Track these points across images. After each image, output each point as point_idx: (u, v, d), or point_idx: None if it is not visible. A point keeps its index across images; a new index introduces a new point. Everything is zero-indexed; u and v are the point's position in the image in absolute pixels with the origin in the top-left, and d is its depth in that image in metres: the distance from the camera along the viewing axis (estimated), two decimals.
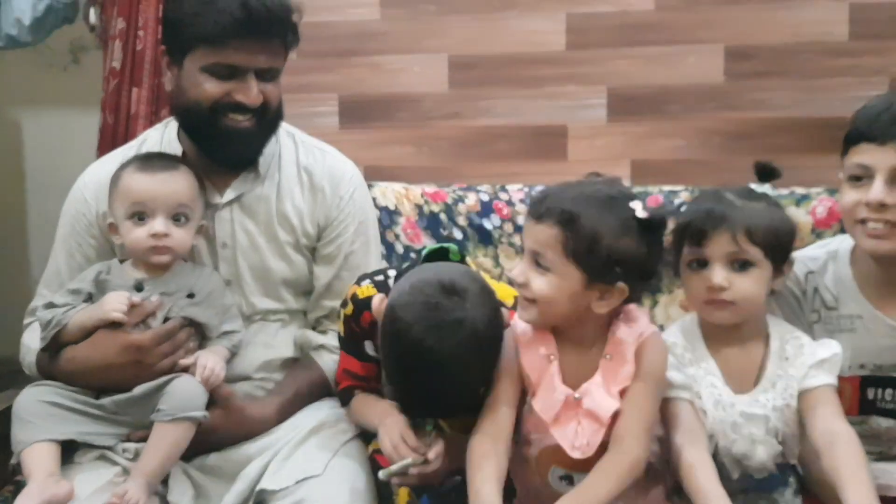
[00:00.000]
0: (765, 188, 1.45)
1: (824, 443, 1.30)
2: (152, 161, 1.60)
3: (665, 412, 1.35)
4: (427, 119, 2.45)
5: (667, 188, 2.14)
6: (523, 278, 1.32)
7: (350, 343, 1.59)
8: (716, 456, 1.37)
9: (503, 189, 2.19)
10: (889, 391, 1.48)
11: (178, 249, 1.57)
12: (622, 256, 1.28)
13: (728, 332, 1.39)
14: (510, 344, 1.37)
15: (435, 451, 1.37)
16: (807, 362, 1.36)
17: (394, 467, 1.38)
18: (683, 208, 1.53)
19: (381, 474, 1.39)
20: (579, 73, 2.39)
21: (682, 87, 2.36)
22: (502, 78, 2.41)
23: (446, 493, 1.52)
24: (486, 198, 2.17)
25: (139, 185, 1.54)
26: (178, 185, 1.56)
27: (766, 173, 1.45)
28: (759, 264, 1.35)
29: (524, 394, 1.37)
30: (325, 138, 1.86)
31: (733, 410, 1.36)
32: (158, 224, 1.53)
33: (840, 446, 1.28)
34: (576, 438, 1.29)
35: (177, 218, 1.55)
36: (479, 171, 2.39)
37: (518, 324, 1.38)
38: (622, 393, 1.31)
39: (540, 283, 1.30)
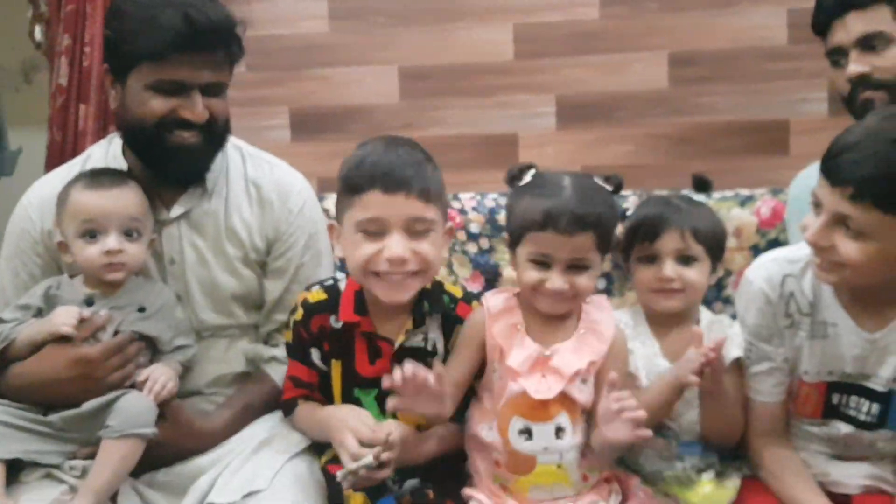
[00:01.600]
0: (700, 197, 1.68)
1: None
2: (101, 177, 1.59)
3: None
4: (379, 130, 2.43)
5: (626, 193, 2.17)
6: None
7: (298, 349, 1.59)
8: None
9: (455, 198, 2.19)
10: (854, 398, 1.48)
11: (132, 265, 1.56)
12: None
13: (668, 318, 1.60)
14: (479, 317, 1.49)
15: (397, 433, 1.41)
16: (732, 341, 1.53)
17: (352, 466, 1.37)
18: (630, 213, 1.72)
19: (340, 475, 1.39)
20: (528, 81, 2.42)
21: (629, 93, 2.41)
22: (453, 88, 2.44)
23: (404, 496, 1.52)
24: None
25: (89, 202, 1.53)
26: (128, 200, 1.55)
27: (702, 185, 1.69)
28: (701, 260, 1.58)
29: (480, 374, 1.48)
30: (277, 152, 1.86)
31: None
32: (112, 241, 1.52)
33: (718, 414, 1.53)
34: (539, 385, 1.43)
35: (129, 233, 1.55)
36: None
37: (488, 298, 1.51)
38: (590, 365, 1.46)
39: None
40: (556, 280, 1.42)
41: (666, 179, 2.39)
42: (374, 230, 1.43)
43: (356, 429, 1.42)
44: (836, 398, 1.49)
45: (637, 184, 2.27)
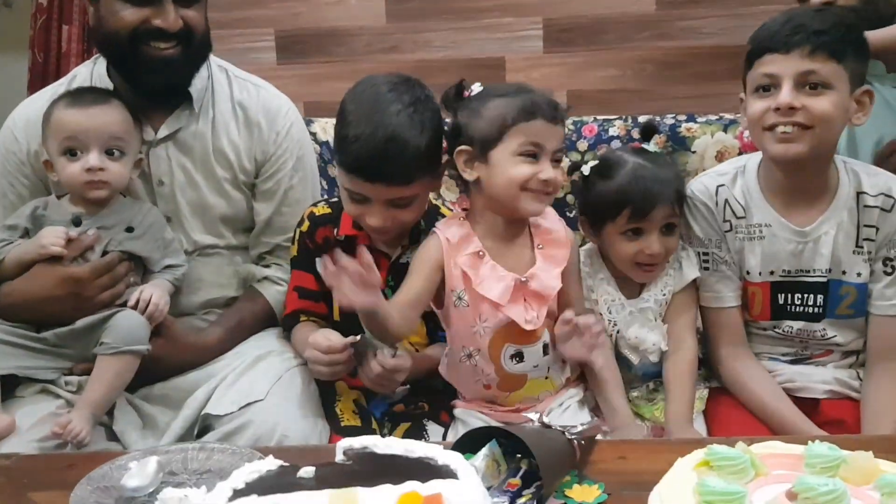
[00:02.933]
0: (651, 145, 1.66)
1: (670, 349, 1.61)
2: (83, 95, 1.58)
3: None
4: (365, 54, 2.45)
5: (601, 118, 2.18)
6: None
7: (304, 259, 1.64)
8: (617, 348, 1.63)
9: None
10: (797, 295, 1.59)
11: (115, 184, 1.56)
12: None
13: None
14: (435, 244, 1.47)
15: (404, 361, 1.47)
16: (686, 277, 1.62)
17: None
18: (590, 166, 1.65)
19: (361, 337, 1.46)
20: (516, 4, 2.40)
21: (616, 17, 2.39)
22: (439, 10, 2.42)
23: (396, 402, 1.61)
24: None
25: (70, 119, 1.53)
26: (109, 117, 1.55)
27: (649, 132, 1.68)
28: (678, 223, 1.61)
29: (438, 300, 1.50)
30: (263, 74, 1.85)
31: (624, 310, 1.62)
32: (92, 158, 1.52)
33: (678, 358, 1.61)
34: (526, 314, 1.45)
35: (111, 151, 1.54)
36: None
37: (445, 229, 1.48)
38: (562, 274, 1.49)
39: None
40: (549, 170, 1.41)
41: (650, 104, 2.41)
42: (359, 199, 1.49)
43: (315, 342, 1.48)
44: (781, 297, 1.60)
45: (622, 109, 2.29)
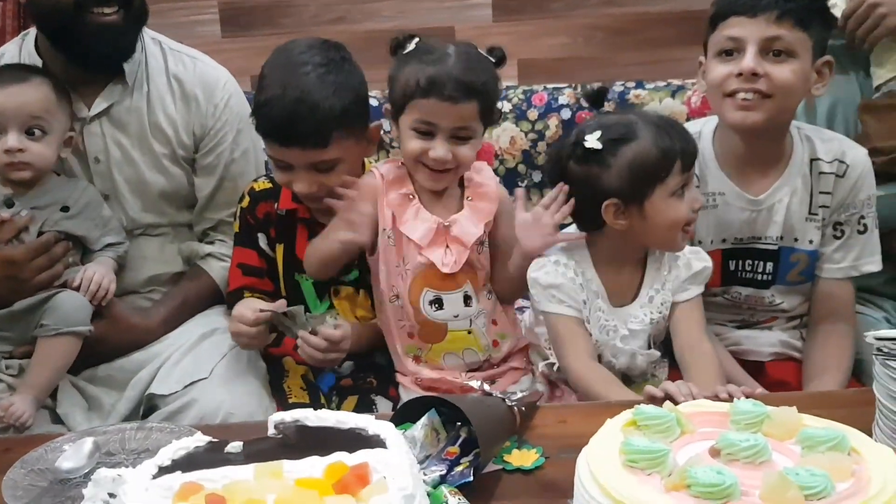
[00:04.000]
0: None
1: (688, 360, 1.43)
2: (2, 74, 1.53)
3: (552, 326, 1.45)
4: (313, 25, 2.40)
5: (552, 86, 2.17)
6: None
7: (245, 236, 1.63)
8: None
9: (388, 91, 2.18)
10: (748, 262, 1.58)
11: (38, 164, 1.51)
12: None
13: (613, 253, 1.46)
14: (369, 187, 1.50)
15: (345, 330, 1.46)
16: (681, 275, 1.47)
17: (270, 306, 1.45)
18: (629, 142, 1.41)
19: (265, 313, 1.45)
20: None
21: None
22: None
23: (343, 377, 1.61)
24: (374, 103, 2.15)
25: None
26: (27, 96, 1.49)
27: (600, 96, 1.59)
28: None
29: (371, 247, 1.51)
30: (207, 48, 1.80)
31: (616, 335, 1.46)
32: (11, 139, 1.47)
33: (701, 366, 1.41)
34: (445, 257, 1.47)
35: (31, 131, 1.49)
36: (368, 77, 2.38)
37: (381, 166, 1.53)
38: (485, 227, 1.51)
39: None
40: (439, 149, 1.41)
41: (600, 71, 2.39)
42: (284, 166, 1.50)
43: (240, 314, 1.48)
44: (732, 264, 1.59)
45: (573, 77, 2.28)
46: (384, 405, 1.56)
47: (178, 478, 0.80)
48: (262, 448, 0.88)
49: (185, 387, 1.48)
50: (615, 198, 1.37)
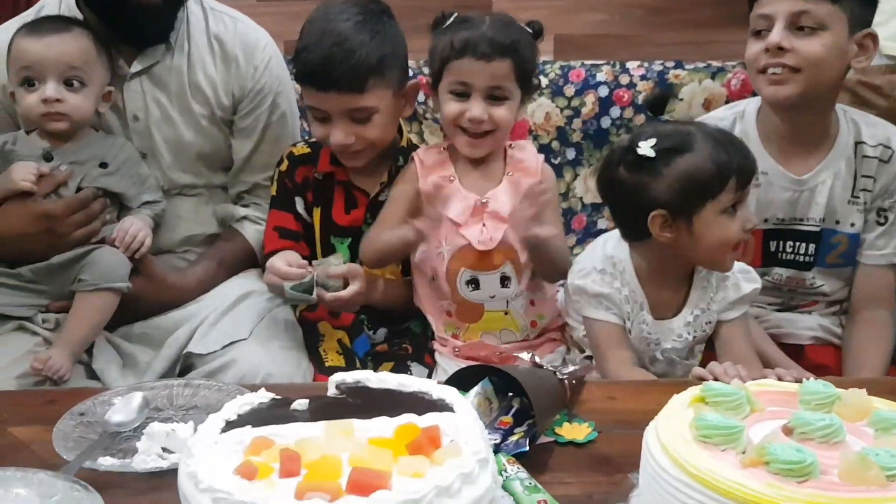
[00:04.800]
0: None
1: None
2: (42, 24, 1.51)
3: (595, 332, 1.42)
4: None
5: (589, 63, 2.15)
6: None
7: (283, 200, 1.63)
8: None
9: (427, 64, 2.15)
10: (790, 243, 1.58)
11: (76, 116, 1.50)
12: None
13: (657, 266, 1.40)
14: (411, 173, 1.53)
15: (349, 271, 1.47)
16: (729, 297, 1.41)
17: (297, 282, 1.44)
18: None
19: (287, 287, 1.45)
20: None
21: None
22: None
23: (377, 343, 1.61)
24: (409, 73, 2.13)
25: (27, 48, 1.46)
26: (67, 47, 1.48)
27: (662, 102, 1.66)
28: None
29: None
30: (243, 12, 1.77)
31: (657, 347, 1.42)
32: (49, 89, 1.46)
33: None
34: (481, 235, 1.48)
35: (69, 82, 1.48)
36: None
37: (424, 153, 1.55)
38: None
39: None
40: (475, 108, 1.44)
41: (637, 49, 2.37)
42: (321, 117, 1.52)
43: (273, 266, 1.48)
44: (773, 245, 1.59)
45: (609, 54, 2.25)
46: (419, 372, 1.56)
47: (248, 432, 0.79)
48: (328, 406, 0.87)
49: (224, 347, 1.47)
50: (663, 209, 1.30)
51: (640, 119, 2.01)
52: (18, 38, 1.48)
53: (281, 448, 0.75)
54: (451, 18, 1.51)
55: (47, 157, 1.50)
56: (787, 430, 0.82)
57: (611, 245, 1.42)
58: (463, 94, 1.45)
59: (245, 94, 1.68)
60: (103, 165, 1.54)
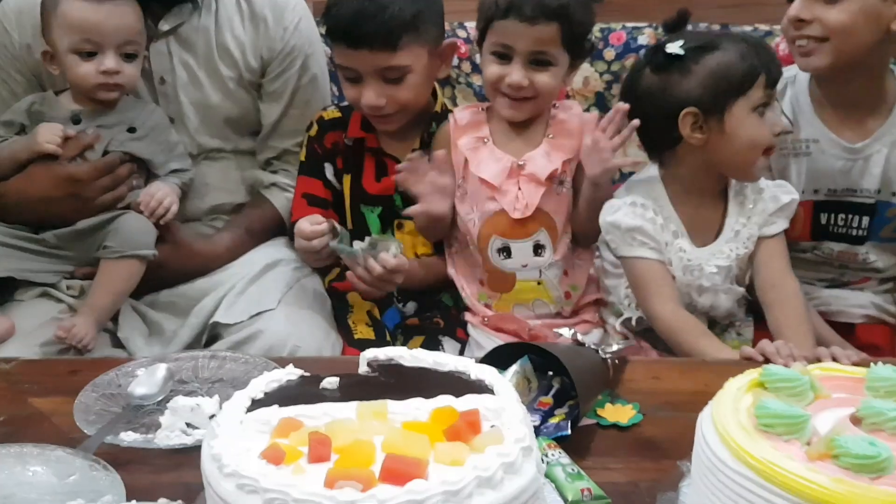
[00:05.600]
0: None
1: (772, 298, 1.36)
2: None
3: (635, 272, 1.37)
4: None
5: (630, 25, 2.06)
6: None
7: (312, 165, 1.59)
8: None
9: (461, 26, 2.07)
10: (841, 216, 1.51)
11: (128, 86, 1.47)
12: None
13: (690, 185, 1.39)
14: (447, 134, 1.48)
15: (398, 266, 1.39)
16: (768, 209, 1.39)
17: (346, 247, 1.40)
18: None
19: (332, 244, 1.41)
20: None
21: None
22: None
23: (407, 316, 1.57)
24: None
25: (85, 15, 1.41)
26: (127, 17, 1.44)
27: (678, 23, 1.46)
28: None
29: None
30: None
31: (700, 273, 1.38)
32: (109, 61, 1.42)
33: (785, 304, 1.34)
34: (517, 202, 1.42)
35: (127, 54, 1.44)
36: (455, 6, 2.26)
37: (459, 112, 1.50)
38: (565, 164, 1.44)
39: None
40: (514, 73, 1.38)
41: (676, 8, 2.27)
42: (352, 77, 1.47)
43: (301, 229, 1.44)
44: (823, 217, 1.52)
45: (650, 16, 2.14)
46: (451, 346, 1.51)
47: (276, 412, 0.75)
48: (359, 385, 0.82)
49: (251, 317, 1.44)
50: (694, 107, 1.29)
51: None
52: (71, 1, 1.42)
53: (310, 431, 0.70)
54: None
55: (75, 120, 1.47)
56: (856, 420, 0.75)
57: (641, 176, 1.43)
58: (504, 57, 1.39)
59: (274, 56, 1.63)
60: (131, 130, 1.50)
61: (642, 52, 1.98)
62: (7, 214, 1.48)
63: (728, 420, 0.76)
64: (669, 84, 1.32)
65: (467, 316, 1.53)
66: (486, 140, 1.46)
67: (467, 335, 1.52)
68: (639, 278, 1.37)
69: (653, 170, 1.42)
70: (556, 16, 1.36)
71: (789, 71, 1.55)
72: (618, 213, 1.37)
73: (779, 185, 1.41)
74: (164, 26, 1.56)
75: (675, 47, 1.31)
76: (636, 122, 1.35)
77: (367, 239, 1.40)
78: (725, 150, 1.31)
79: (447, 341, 1.52)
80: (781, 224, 1.39)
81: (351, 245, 1.39)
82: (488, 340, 1.46)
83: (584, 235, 1.51)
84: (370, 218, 1.59)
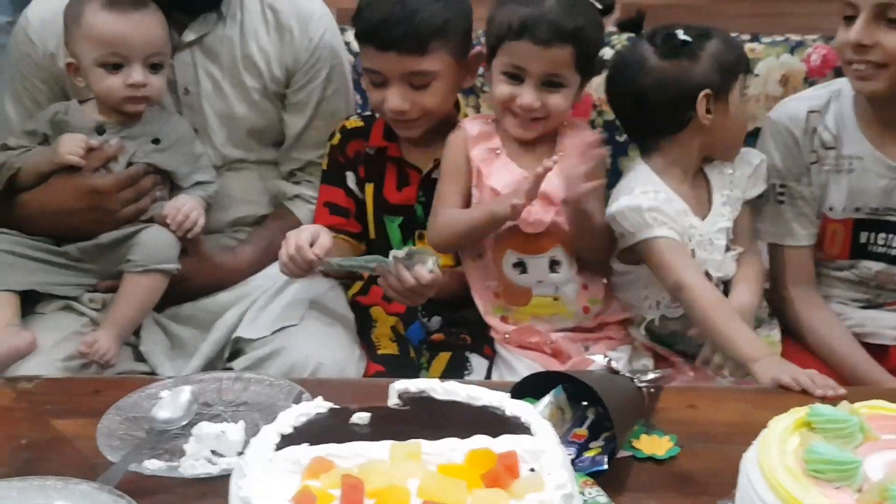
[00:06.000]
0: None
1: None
2: None
3: (659, 250, 1.37)
4: None
5: None
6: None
7: (333, 174, 1.59)
8: None
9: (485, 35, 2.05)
10: (882, 235, 1.47)
11: (155, 97, 1.46)
12: None
13: (676, 166, 1.44)
14: (459, 143, 1.45)
15: (433, 281, 1.35)
16: (745, 172, 1.47)
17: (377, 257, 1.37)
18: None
19: (335, 261, 1.38)
20: None
21: None
22: None
23: (432, 331, 1.54)
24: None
25: (111, 27, 1.39)
26: (152, 28, 1.42)
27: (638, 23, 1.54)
28: None
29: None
30: None
31: (712, 247, 1.42)
32: (136, 74, 1.40)
33: (744, 261, 1.46)
34: (529, 216, 1.38)
35: (153, 66, 1.43)
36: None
37: (468, 124, 1.47)
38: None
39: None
40: (526, 95, 1.37)
41: (709, 21, 2.22)
42: (378, 81, 1.46)
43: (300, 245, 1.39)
44: (863, 236, 1.49)
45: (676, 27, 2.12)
46: (478, 363, 1.48)
47: (306, 451, 0.72)
48: (391, 421, 0.80)
49: (274, 332, 1.42)
50: (708, 88, 1.37)
51: None
52: (94, 12, 1.40)
53: (343, 473, 0.68)
54: None
55: (100, 131, 1.45)
56: None
57: (629, 174, 1.45)
58: (516, 77, 1.37)
59: (299, 67, 1.61)
60: (156, 141, 1.48)
61: None
62: (29, 226, 1.47)
63: (775, 464, 0.73)
64: (681, 69, 1.37)
65: (492, 332, 1.50)
66: (498, 152, 1.44)
67: (494, 351, 1.50)
68: (664, 255, 1.36)
69: (639, 167, 1.45)
70: (570, 38, 1.35)
71: (833, 85, 1.53)
72: (633, 196, 1.38)
73: (745, 151, 1.48)
74: (189, 36, 1.55)
75: (682, 34, 1.39)
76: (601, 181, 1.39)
77: (406, 249, 1.38)
78: (726, 130, 1.41)
79: (474, 358, 1.49)
80: (760, 186, 1.48)
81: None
82: (515, 358, 1.44)
83: (588, 254, 1.48)
84: (391, 228, 1.58)
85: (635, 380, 1.02)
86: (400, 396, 0.84)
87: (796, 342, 1.51)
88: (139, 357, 1.46)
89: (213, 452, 0.96)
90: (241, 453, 0.86)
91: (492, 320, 1.49)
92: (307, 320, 1.45)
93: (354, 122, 1.59)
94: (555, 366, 1.41)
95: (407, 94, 1.44)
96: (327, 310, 1.50)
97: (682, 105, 1.37)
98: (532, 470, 0.70)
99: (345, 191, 1.58)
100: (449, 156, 1.46)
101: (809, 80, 1.91)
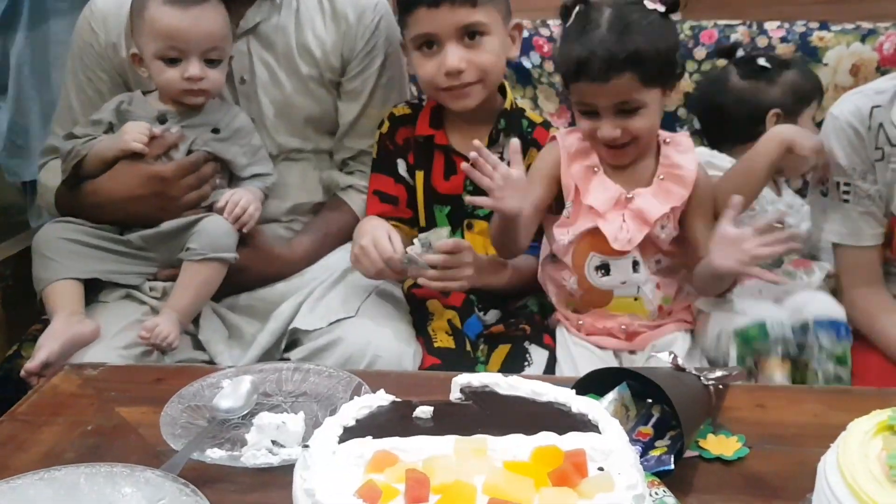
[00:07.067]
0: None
1: None
2: None
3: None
4: None
5: (722, 23, 1.96)
6: None
7: (384, 162, 1.59)
8: None
9: (544, 24, 2.01)
10: None
11: (214, 91, 1.48)
12: None
13: None
14: (554, 153, 1.44)
15: (455, 246, 1.39)
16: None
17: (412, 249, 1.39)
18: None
19: (409, 249, 1.40)
20: None
21: None
22: None
23: (489, 325, 1.53)
24: (525, 34, 2.00)
25: (170, 21, 1.41)
26: (212, 22, 1.43)
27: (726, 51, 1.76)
28: None
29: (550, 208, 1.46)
30: None
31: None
32: (193, 67, 1.42)
33: None
34: (620, 232, 1.38)
35: (211, 60, 1.44)
36: (518, 5, 2.22)
37: (565, 138, 1.44)
38: (673, 209, 1.39)
39: None
40: (605, 128, 1.36)
41: (775, 8, 2.17)
42: (431, 45, 1.46)
43: (376, 239, 1.42)
44: None
45: (744, 12, 2.06)
46: (538, 354, 1.45)
47: (370, 444, 0.71)
48: (455, 416, 0.78)
49: (331, 324, 1.41)
50: (780, 109, 1.59)
51: None
52: (156, 5, 1.42)
53: (407, 468, 0.67)
54: (575, 13, 1.38)
55: (161, 120, 1.47)
56: None
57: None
58: (591, 113, 1.36)
59: (354, 56, 1.60)
60: (215, 131, 1.50)
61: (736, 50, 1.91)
62: (95, 214, 1.49)
63: (857, 469, 0.70)
64: (757, 89, 1.63)
65: (558, 316, 1.49)
66: (595, 169, 1.41)
67: (554, 341, 1.47)
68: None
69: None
70: (628, 65, 1.31)
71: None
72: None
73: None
74: (245, 25, 1.55)
75: (763, 61, 1.65)
76: (795, 244, 1.38)
77: (416, 240, 1.40)
78: None
79: (534, 349, 1.46)
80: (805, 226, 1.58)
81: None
82: (578, 348, 1.42)
83: (703, 292, 1.46)
84: (440, 217, 1.57)
85: (702, 377, 0.99)
86: (462, 390, 0.83)
87: (866, 345, 1.44)
88: (198, 346, 1.48)
89: (274, 443, 0.96)
90: (301, 444, 0.85)
91: (564, 311, 1.48)
92: (363, 312, 1.44)
93: (402, 109, 1.60)
94: (624, 348, 1.43)
95: (462, 52, 1.44)
96: (384, 302, 1.49)
97: (754, 119, 1.59)
98: (600, 469, 0.67)
99: (394, 178, 1.58)
100: (540, 164, 1.45)
101: (882, 69, 1.84)
